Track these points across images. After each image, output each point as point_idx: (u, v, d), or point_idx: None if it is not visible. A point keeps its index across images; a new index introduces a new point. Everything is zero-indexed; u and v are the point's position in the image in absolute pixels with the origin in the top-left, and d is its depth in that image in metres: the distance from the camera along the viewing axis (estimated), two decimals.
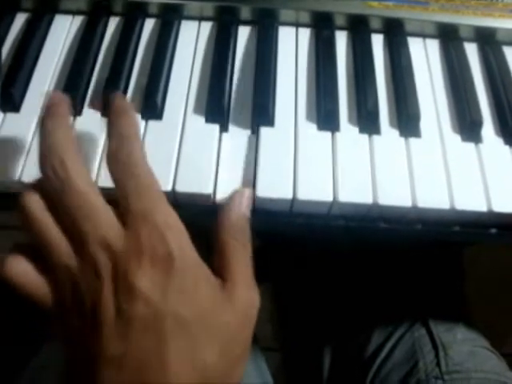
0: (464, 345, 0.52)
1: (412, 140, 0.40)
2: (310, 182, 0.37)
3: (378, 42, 0.45)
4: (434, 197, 0.37)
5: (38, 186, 0.31)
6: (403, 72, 0.43)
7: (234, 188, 0.37)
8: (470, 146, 0.40)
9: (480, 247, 0.91)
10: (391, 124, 0.41)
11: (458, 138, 0.41)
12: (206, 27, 0.45)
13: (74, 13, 0.46)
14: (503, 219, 0.38)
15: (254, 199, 0.37)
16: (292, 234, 0.47)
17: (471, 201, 0.38)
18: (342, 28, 0.46)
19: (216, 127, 0.39)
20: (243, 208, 0.34)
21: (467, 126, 0.41)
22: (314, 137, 0.39)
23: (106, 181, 0.33)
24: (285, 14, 0.45)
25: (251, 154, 0.38)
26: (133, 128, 0.32)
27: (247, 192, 0.35)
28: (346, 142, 0.39)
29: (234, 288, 0.31)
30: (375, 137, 0.40)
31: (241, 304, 0.31)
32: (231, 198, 0.35)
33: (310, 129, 0.40)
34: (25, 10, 0.46)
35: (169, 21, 0.45)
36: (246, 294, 0.31)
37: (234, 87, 0.42)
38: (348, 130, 0.40)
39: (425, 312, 0.55)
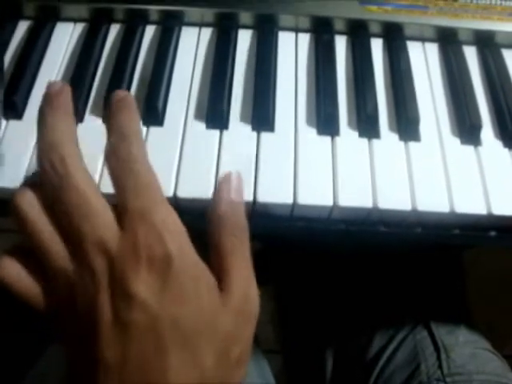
0: (466, 347, 0.53)
1: (411, 144, 0.40)
2: (311, 186, 0.37)
3: (377, 46, 0.46)
4: (433, 200, 0.38)
5: (32, 185, 0.29)
6: (402, 76, 0.43)
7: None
8: (470, 149, 0.41)
9: (480, 249, 0.91)
10: (391, 128, 0.41)
11: (457, 141, 0.41)
12: (207, 33, 0.46)
13: (75, 20, 0.46)
14: (503, 222, 0.39)
15: (255, 203, 0.37)
16: (293, 238, 0.47)
17: (471, 204, 0.38)
18: (341, 33, 0.46)
19: (216, 133, 0.39)
20: (233, 196, 0.31)
21: (466, 129, 0.41)
22: (313, 141, 0.40)
23: (109, 187, 0.33)
24: (284, 19, 0.45)
25: (252, 159, 0.38)
26: (134, 124, 0.31)
27: (234, 177, 0.32)
28: (346, 147, 0.39)
29: (230, 288, 0.29)
30: (375, 141, 0.40)
31: (238, 304, 0.30)
32: (217, 188, 0.32)
33: (309, 133, 0.40)
34: (27, 18, 0.46)
35: (169, 27, 0.45)
36: (244, 293, 0.30)
37: (235, 93, 0.42)
38: (348, 135, 0.40)
39: (426, 314, 0.55)
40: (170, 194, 0.37)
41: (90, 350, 0.27)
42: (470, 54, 0.46)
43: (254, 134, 0.40)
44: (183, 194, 0.37)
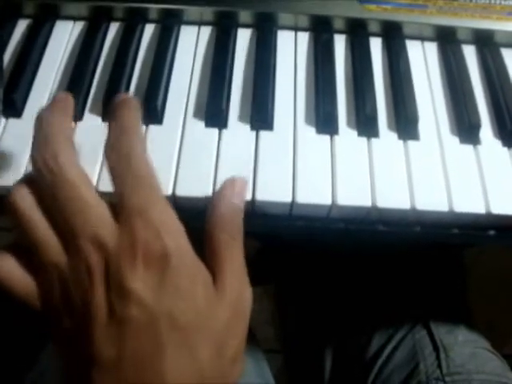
0: (465, 346, 0.52)
1: (410, 143, 0.40)
2: (309, 185, 0.37)
3: (376, 45, 0.46)
4: (432, 199, 0.38)
5: (28, 182, 0.29)
6: (401, 75, 0.43)
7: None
8: (469, 148, 0.41)
9: (481, 248, 0.91)
10: (390, 127, 0.41)
11: (456, 140, 0.41)
12: (206, 32, 0.46)
13: (74, 18, 0.46)
14: (502, 221, 0.38)
15: (254, 202, 0.37)
16: (292, 237, 0.47)
17: (470, 203, 0.38)
18: (340, 31, 0.46)
19: (215, 131, 0.39)
20: (235, 199, 0.31)
21: (465, 128, 0.41)
22: (312, 140, 0.40)
23: (107, 185, 0.33)
24: (283, 17, 0.45)
25: (251, 158, 0.38)
26: (134, 120, 0.31)
27: (239, 182, 0.33)
28: (345, 145, 0.39)
29: (224, 284, 0.30)
30: (374, 140, 0.40)
31: (232, 300, 0.30)
32: (221, 188, 0.32)
33: (308, 132, 0.40)
34: (26, 17, 0.46)
35: (168, 26, 0.45)
36: (238, 290, 0.30)
37: (234, 91, 0.42)
38: (347, 134, 0.40)
39: (426, 314, 0.55)
40: (169, 192, 0.37)
41: (84, 348, 0.27)
42: (469, 53, 0.46)
43: (253, 132, 0.40)
44: (182, 192, 0.37)
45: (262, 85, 0.41)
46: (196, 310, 0.28)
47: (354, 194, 0.37)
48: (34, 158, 0.29)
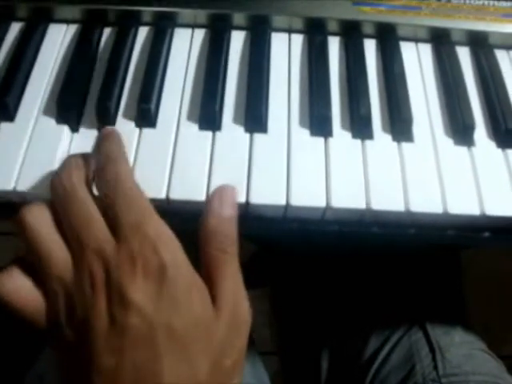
0: (461, 348, 0.52)
1: (405, 145, 0.40)
2: (304, 187, 0.37)
3: (370, 46, 0.46)
4: (426, 201, 0.38)
5: (40, 203, 0.31)
6: (396, 77, 0.43)
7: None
8: (463, 149, 0.40)
9: (477, 249, 0.91)
10: (384, 129, 0.41)
11: (450, 141, 0.41)
12: (200, 34, 0.46)
13: (68, 22, 0.46)
14: (496, 223, 0.38)
15: (248, 205, 0.37)
16: (287, 240, 0.47)
17: (464, 204, 0.38)
18: (334, 33, 0.46)
19: (209, 134, 0.39)
20: (224, 210, 0.32)
21: (460, 129, 0.41)
22: (306, 142, 0.39)
23: None
24: (277, 20, 0.45)
25: (245, 161, 0.38)
26: (118, 147, 0.34)
27: (227, 190, 0.33)
28: (339, 148, 0.39)
29: (220, 299, 0.30)
30: (368, 142, 0.40)
31: (229, 317, 0.30)
32: (208, 201, 0.32)
33: (303, 135, 0.40)
34: (19, 20, 0.46)
35: (162, 29, 0.45)
36: (234, 304, 0.31)
37: (228, 94, 0.42)
38: (341, 136, 0.40)
39: (422, 315, 0.55)
40: (163, 195, 0.36)
41: (85, 356, 0.28)
42: (464, 54, 0.46)
43: (247, 135, 0.40)
44: (176, 195, 0.37)
45: (255, 87, 0.41)
46: (193, 321, 0.29)
47: (348, 197, 0.37)
48: (52, 180, 0.32)
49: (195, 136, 0.39)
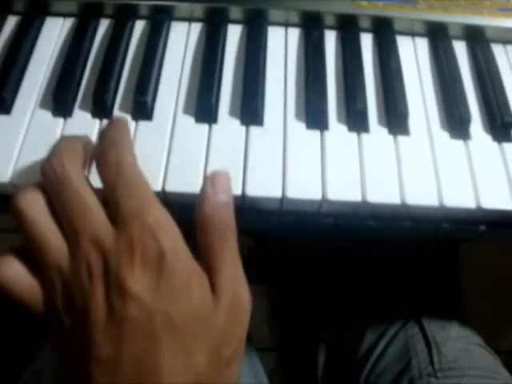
0: (458, 342, 0.53)
1: (401, 138, 0.40)
2: (299, 180, 0.37)
3: (367, 40, 0.46)
4: (422, 194, 0.38)
5: (32, 187, 0.31)
6: (392, 71, 0.43)
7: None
8: (459, 143, 0.41)
9: (475, 243, 0.91)
10: (380, 122, 0.41)
11: (446, 135, 0.41)
12: (196, 28, 0.46)
13: (64, 15, 0.46)
14: (492, 216, 0.39)
15: (244, 197, 0.37)
16: (283, 234, 0.47)
17: (460, 198, 0.38)
18: (331, 27, 0.46)
19: (205, 127, 0.39)
20: (220, 195, 0.31)
21: (456, 123, 0.41)
22: (302, 135, 0.39)
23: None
24: (274, 13, 0.45)
25: (241, 153, 0.38)
26: (121, 133, 0.33)
27: (220, 177, 0.31)
28: (335, 141, 0.39)
29: (219, 288, 0.30)
30: (364, 135, 0.40)
31: (228, 303, 0.30)
32: (202, 188, 0.31)
33: (299, 128, 0.40)
34: (16, 13, 0.46)
35: (159, 22, 0.45)
36: (233, 293, 0.30)
37: (224, 87, 0.42)
38: (337, 129, 0.40)
39: (418, 310, 0.55)
40: (159, 188, 0.36)
41: (84, 347, 0.28)
42: (460, 48, 0.46)
43: (243, 128, 0.40)
44: (172, 188, 0.37)
45: (251, 80, 0.41)
46: (192, 311, 0.28)
47: (344, 189, 0.37)
48: (43, 166, 0.31)
49: (191, 128, 0.39)
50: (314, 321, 0.64)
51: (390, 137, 0.40)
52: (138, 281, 0.28)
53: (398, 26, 0.46)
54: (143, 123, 0.40)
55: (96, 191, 0.31)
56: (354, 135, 0.40)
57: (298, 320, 0.70)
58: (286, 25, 0.46)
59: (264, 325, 0.90)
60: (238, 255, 0.31)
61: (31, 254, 0.30)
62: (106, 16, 0.46)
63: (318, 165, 0.38)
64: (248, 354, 0.55)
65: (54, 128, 0.40)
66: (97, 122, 0.40)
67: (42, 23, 0.46)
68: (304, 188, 0.37)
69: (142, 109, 0.40)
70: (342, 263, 0.61)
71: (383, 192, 0.38)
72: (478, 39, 0.46)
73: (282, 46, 0.45)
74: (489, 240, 0.41)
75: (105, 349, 0.27)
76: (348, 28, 0.45)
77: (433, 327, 0.53)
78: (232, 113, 0.40)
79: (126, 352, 0.27)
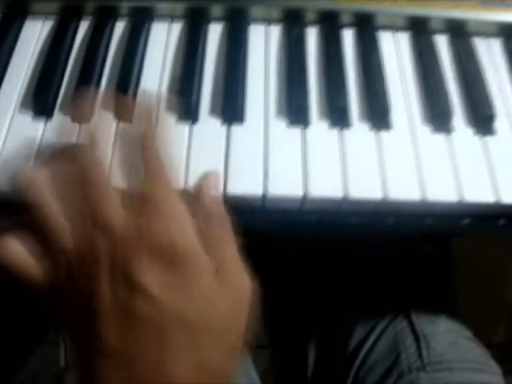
0: (446, 336, 0.53)
1: (383, 133, 0.40)
2: (281, 177, 0.37)
3: (348, 36, 0.45)
4: (405, 189, 0.38)
5: (41, 170, 0.31)
6: (373, 66, 0.43)
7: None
8: (441, 137, 0.41)
9: (468, 236, 0.91)
10: (362, 117, 0.41)
11: (428, 129, 0.41)
12: (177, 27, 0.45)
13: (45, 16, 0.46)
14: (475, 209, 0.39)
15: (226, 195, 0.37)
16: (269, 232, 0.47)
17: (442, 192, 0.38)
18: (312, 23, 0.46)
19: (187, 125, 0.39)
20: (214, 192, 0.34)
21: (437, 117, 0.41)
22: (284, 132, 0.39)
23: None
24: (255, 11, 0.45)
25: (222, 151, 0.38)
26: (146, 115, 0.34)
27: (213, 176, 0.35)
28: (317, 137, 0.39)
29: (225, 278, 0.30)
30: (346, 131, 0.40)
31: (234, 294, 0.30)
32: (199, 186, 0.34)
33: (280, 124, 0.40)
34: None
35: (139, 22, 0.45)
36: (237, 282, 0.31)
37: (205, 85, 0.42)
38: (318, 125, 0.40)
39: (407, 304, 0.55)
40: None
41: (92, 337, 0.27)
42: (441, 42, 0.46)
43: (225, 126, 0.39)
44: None
45: (232, 78, 0.41)
46: (199, 305, 0.28)
47: (326, 186, 0.37)
48: (74, 147, 0.32)
49: (172, 127, 0.39)
50: (303, 318, 0.64)
51: (372, 132, 0.40)
52: (146, 271, 0.27)
53: (378, 20, 0.45)
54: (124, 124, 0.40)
55: None
56: (335, 131, 0.40)
57: (287, 317, 0.70)
58: (267, 22, 0.46)
59: (257, 322, 0.90)
60: (238, 247, 0.32)
61: (36, 234, 0.30)
62: (86, 17, 0.46)
63: (299, 161, 0.38)
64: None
65: (35, 129, 0.39)
66: (76, 124, 0.40)
67: (21, 24, 0.45)
68: (286, 185, 0.37)
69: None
70: (330, 259, 0.61)
71: (365, 188, 0.38)
72: (459, 33, 0.46)
73: (263, 43, 0.44)
74: (472, 234, 0.41)
75: (112, 340, 0.27)
76: (329, 24, 0.45)
77: (421, 321, 0.53)
78: (213, 111, 0.40)
79: (133, 343, 0.27)
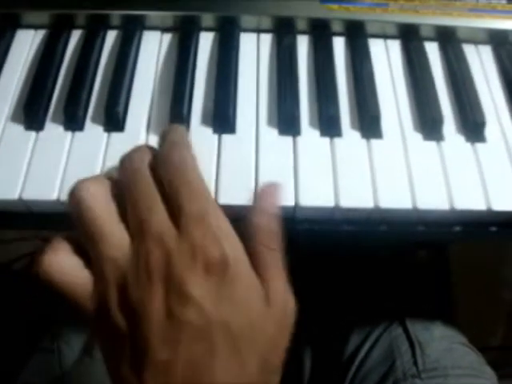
0: (441, 342, 0.53)
1: (374, 141, 0.40)
2: None
3: (339, 44, 0.46)
4: (396, 197, 0.38)
5: (95, 178, 0.31)
6: (364, 74, 0.43)
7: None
8: (432, 144, 0.41)
9: (464, 242, 0.91)
10: (353, 126, 0.41)
11: (419, 137, 0.41)
12: (168, 37, 0.46)
13: (36, 27, 0.46)
14: (467, 217, 0.39)
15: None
16: None
17: (434, 199, 0.38)
18: (303, 32, 0.46)
19: None
20: (272, 208, 0.32)
21: (428, 124, 0.41)
22: (275, 142, 0.39)
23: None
24: (246, 20, 0.45)
25: (213, 161, 0.38)
26: (182, 137, 0.33)
27: (273, 188, 0.33)
28: (308, 146, 0.39)
29: (273, 297, 0.29)
30: (337, 139, 0.40)
31: (279, 315, 0.30)
32: (259, 198, 0.33)
33: (271, 134, 0.40)
34: None
35: (130, 32, 0.45)
36: (283, 304, 0.30)
37: (196, 96, 0.42)
38: (309, 134, 0.40)
39: (402, 311, 0.55)
40: None
41: (137, 348, 0.27)
42: (432, 49, 0.46)
43: (215, 135, 0.40)
44: None
45: (223, 88, 0.41)
46: (249, 321, 0.28)
47: (317, 195, 0.37)
48: (122, 158, 0.32)
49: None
50: (298, 325, 0.64)
51: (363, 140, 0.40)
52: (199, 286, 0.27)
53: (369, 28, 0.46)
54: (115, 135, 0.40)
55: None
56: (326, 140, 0.40)
57: None
58: (258, 31, 0.46)
59: None
60: (285, 266, 0.31)
61: (83, 245, 0.29)
62: (77, 27, 0.46)
63: (290, 171, 0.38)
64: None
65: (26, 142, 0.39)
66: (69, 134, 0.40)
67: (13, 35, 0.45)
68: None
69: (113, 120, 0.40)
70: (325, 267, 0.61)
71: (357, 196, 0.38)
72: (449, 40, 0.46)
73: (255, 52, 0.45)
74: (464, 241, 0.41)
75: (160, 352, 0.26)
76: (320, 32, 0.45)
77: (416, 328, 0.53)
78: (204, 121, 0.40)
79: (182, 357, 0.26)
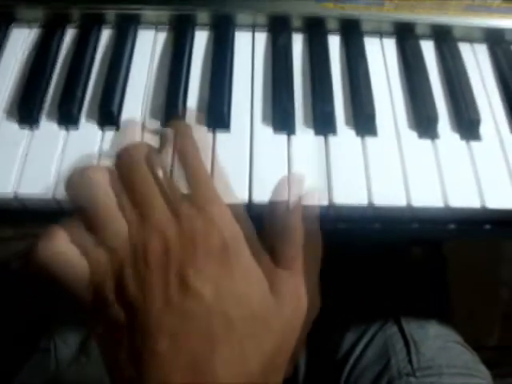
0: (436, 341, 0.53)
1: (368, 139, 0.40)
2: (266, 184, 0.37)
3: (334, 42, 0.46)
4: (391, 194, 0.38)
5: (102, 167, 0.31)
6: (359, 72, 0.43)
7: None
8: (427, 142, 0.41)
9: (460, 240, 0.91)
10: (347, 124, 0.41)
11: (414, 134, 0.41)
12: (163, 34, 0.45)
13: (30, 24, 0.46)
14: (460, 214, 0.39)
15: None
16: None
17: (428, 197, 0.38)
18: (298, 30, 0.46)
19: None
20: (298, 205, 0.34)
21: (423, 122, 0.41)
22: (270, 140, 0.39)
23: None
24: (241, 17, 0.45)
25: (207, 159, 0.38)
26: (186, 128, 0.35)
27: (298, 182, 0.36)
28: (302, 144, 0.39)
29: (287, 295, 0.29)
30: (331, 137, 0.40)
31: (291, 312, 0.29)
32: (281, 193, 0.35)
33: (265, 132, 0.40)
34: None
35: (125, 29, 0.45)
36: (298, 302, 0.30)
37: (191, 93, 0.42)
38: (304, 132, 0.40)
39: (397, 309, 0.55)
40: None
41: (137, 337, 0.26)
42: (428, 47, 0.46)
43: (210, 133, 0.39)
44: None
45: (218, 86, 0.41)
46: (251, 313, 0.28)
47: (311, 192, 0.37)
48: (122, 147, 0.32)
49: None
50: None
51: (358, 138, 0.40)
52: (199, 274, 0.27)
53: (364, 26, 0.46)
54: (109, 133, 0.40)
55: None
56: (321, 138, 0.40)
57: None
58: (254, 28, 0.46)
59: None
60: (304, 264, 0.32)
61: (80, 234, 0.28)
62: (72, 24, 0.46)
63: (284, 169, 0.38)
64: None
65: (20, 139, 0.39)
66: (63, 132, 0.40)
67: (7, 33, 0.45)
68: (270, 193, 0.37)
69: (108, 117, 0.40)
70: (323, 264, 0.61)
71: (351, 194, 0.37)
72: (444, 38, 0.46)
73: (249, 49, 0.45)
74: (458, 239, 0.41)
75: (160, 341, 0.26)
76: (315, 30, 0.45)
77: (411, 326, 0.53)
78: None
79: (181, 345, 0.26)
